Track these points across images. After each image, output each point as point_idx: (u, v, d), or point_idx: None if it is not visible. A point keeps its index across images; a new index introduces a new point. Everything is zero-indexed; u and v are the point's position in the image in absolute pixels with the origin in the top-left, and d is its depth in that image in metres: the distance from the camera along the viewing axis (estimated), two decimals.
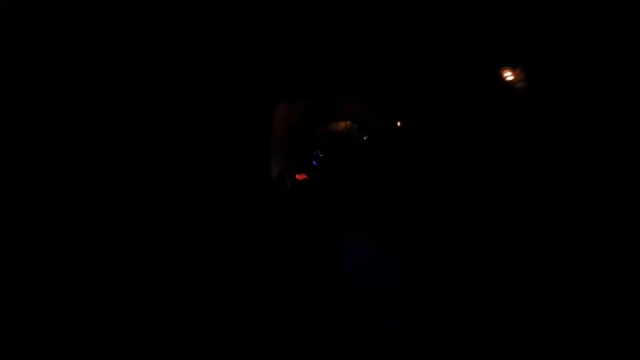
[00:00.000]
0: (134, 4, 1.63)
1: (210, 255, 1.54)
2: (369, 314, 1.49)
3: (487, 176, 1.53)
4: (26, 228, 1.54)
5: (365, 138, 1.51)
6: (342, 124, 1.54)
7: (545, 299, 1.49)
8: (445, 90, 1.54)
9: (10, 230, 1.53)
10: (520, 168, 1.55)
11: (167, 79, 1.61)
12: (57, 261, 1.53)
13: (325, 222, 1.54)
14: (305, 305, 1.52)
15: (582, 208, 1.52)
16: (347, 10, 1.60)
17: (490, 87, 1.54)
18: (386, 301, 1.49)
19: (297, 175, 1.53)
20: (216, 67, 1.63)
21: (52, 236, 1.54)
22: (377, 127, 1.52)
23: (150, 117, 1.60)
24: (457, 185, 1.53)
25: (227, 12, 1.65)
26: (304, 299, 1.52)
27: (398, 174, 1.53)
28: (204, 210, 1.58)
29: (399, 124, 1.52)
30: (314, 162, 1.51)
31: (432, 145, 1.53)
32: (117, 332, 1.51)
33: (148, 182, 1.57)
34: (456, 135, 1.53)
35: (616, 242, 1.49)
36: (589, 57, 1.55)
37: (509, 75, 1.55)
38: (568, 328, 1.48)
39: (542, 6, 1.58)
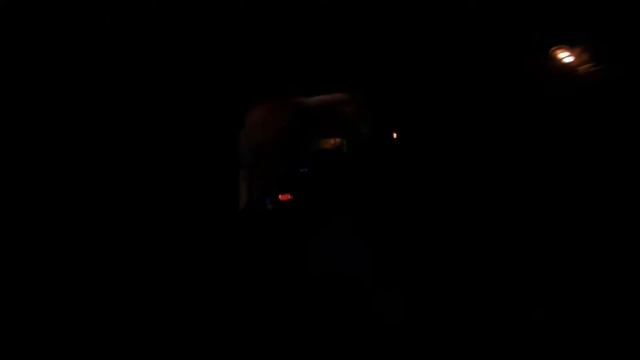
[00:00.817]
0: (134, 4, 1.63)
1: (210, 255, 1.54)
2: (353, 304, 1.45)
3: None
4: (26, 228, 1.54)
5: (358, 151, 1.39)
6: (332, 141, 1.43)
7: None
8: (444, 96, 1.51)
9: (10, 230, 1.53)
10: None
11: (166, 79, 1.61)
12: (57, 261, 1.53)
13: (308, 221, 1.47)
14: (301, 303, 1.52)
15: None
16: (344, 12, 1.60)
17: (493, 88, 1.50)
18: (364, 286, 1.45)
19: (280, 196, 1.39)
20: (215, 67, 1.64)
21: (52, 236, 1.54)
22: (369, 138, 1.43)
23: (150, 117, 1.60)
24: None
25: (227, 12, 1.65)
26: (302, 298, 1.52)
27: (390, 184, 1.48)
28: (203, 210, 1.58)
29: (395, 135, 1.44)
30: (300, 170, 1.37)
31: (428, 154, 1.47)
32: (117, 332, 1.51)
33: (148, 183, 1.57)
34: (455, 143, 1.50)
35: None
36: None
37: (567, 57, 1.37)
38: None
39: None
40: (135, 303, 1.52)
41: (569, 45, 1.39)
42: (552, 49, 1.39)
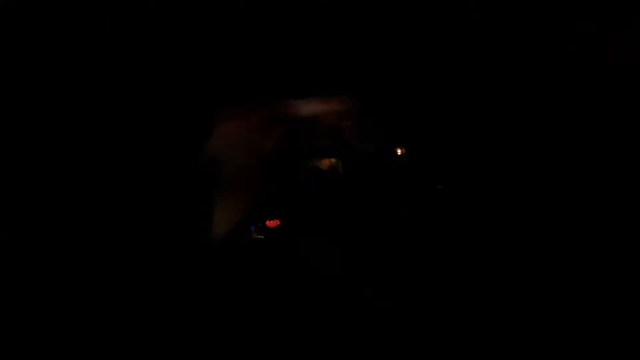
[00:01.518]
0: (134, 4, 1.63)
1: (210, 255, 1.54)
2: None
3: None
4: (26, 228, 1.54)
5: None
6: (327, 161, 1.34)
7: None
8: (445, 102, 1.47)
9: (10, 230, 1.53)
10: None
11: (167, 79, 1.61)
12: (57, 261, 1.53)
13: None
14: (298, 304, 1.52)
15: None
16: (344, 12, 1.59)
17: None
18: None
19: (267, 222, 1.27)
20: (216, 67, 1.63)
21: (52, 236, 1.54)
22: (369, 156, 1.35)
23: (150, 117, 1.59)
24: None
25: (227, 12, 1.65)
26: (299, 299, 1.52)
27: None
28: (203, 209, 1.58)
29: (399, 151, 1.37)
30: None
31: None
32: (117, 332, 1.51)
33: (148, 182, 1.57)
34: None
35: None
36: None
37: None
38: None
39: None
40: (135, 303, 1.52)
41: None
42: None
